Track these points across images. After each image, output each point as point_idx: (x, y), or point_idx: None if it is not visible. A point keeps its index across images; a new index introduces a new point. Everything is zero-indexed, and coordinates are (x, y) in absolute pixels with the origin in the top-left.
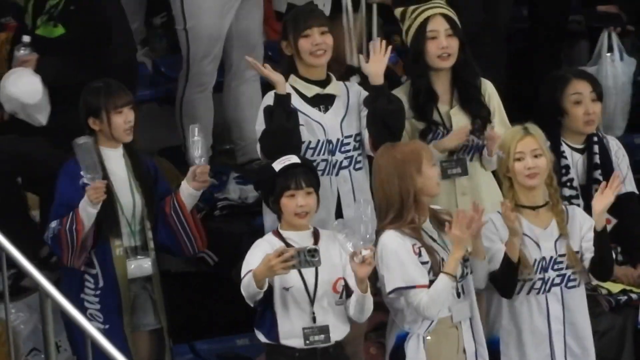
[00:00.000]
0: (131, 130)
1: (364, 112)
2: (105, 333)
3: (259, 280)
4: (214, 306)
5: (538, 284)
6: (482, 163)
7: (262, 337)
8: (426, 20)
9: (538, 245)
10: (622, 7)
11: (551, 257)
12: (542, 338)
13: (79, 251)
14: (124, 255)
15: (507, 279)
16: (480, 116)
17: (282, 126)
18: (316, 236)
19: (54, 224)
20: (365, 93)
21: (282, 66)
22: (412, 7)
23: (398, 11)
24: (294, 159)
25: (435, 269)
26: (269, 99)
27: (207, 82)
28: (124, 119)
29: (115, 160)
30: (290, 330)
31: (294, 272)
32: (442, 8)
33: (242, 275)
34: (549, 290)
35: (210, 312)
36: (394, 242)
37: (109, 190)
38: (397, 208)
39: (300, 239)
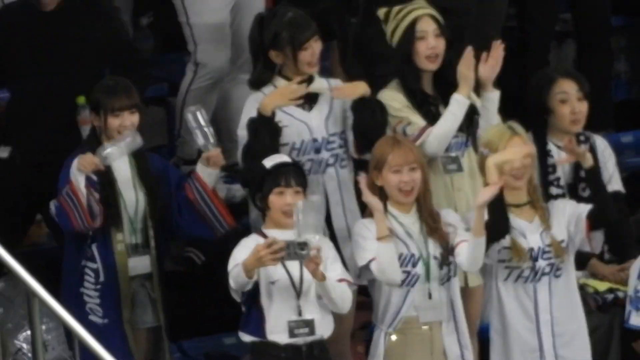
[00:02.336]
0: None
1: (349, 112)
2: (104, 328)
3: (248, 271)
4: (201, 305)
5: (527, 272)
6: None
7: (247, 337)
8: (414, 21)
9: (525, 237)
10: None
11: (539, 247)
12: (530, 327)
13: (87, 211)
14: (125, 251)
15: (498, 217)
16: (467, 115)
17: (266, 147)
18: None
19: (54, 201)
20: None
21: (259, 67)
22: (397, 8)
23: (382, 12)
24: (284, 157)
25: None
26: (252, 104)
27: (216, 77)
28: (119, 122)
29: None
30: (276, 325)
31: (279, 266)
32: (428, 9)
33: (229, 269)
34: (538, 280)
35: (198, 311)
36: (358, 229)
37: (112, 183)
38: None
39: (285, 237)
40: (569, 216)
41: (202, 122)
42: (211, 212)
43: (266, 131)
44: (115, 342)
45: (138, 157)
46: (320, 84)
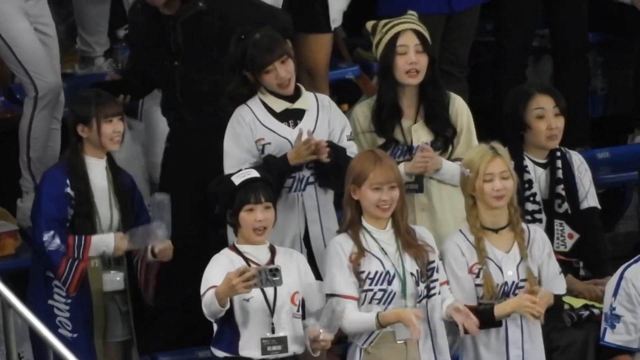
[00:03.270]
0: (119, 140)
1: (332, 131)
2: (74, 342)
3: (221, 299)
4: (175, 318)
5: None
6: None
7: (219, 353)
8: (396, 35)
9: (501, 269)
10: None
11: (513, 282)
12: None
13: (77, 283)
14: (100, 267)
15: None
16: (443, 135)
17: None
18: (273, 251)
19: (56, 241)
20: (335, 108)
21: (235, 84)
22: (383, 21)
23: (369, 24)
24: (253, 173)
25: (372, 279)
26: (236, 118)
27: None
28: (113, 129)
29: (98, 171)
30: (249, 342)
31: None
32: (414, 23)
33: (201, 291)
34: (509, 316)
35: (171, 324)
36: (332, 249)
37: (89, 202)
38: (348, 210)
39: (258, 253)
40: (540, 261)
41: (166, 211)
42: (140, 277)
43: (278, 174)
44: (84, 357)
45: (114, 172)
46: (307, 100)
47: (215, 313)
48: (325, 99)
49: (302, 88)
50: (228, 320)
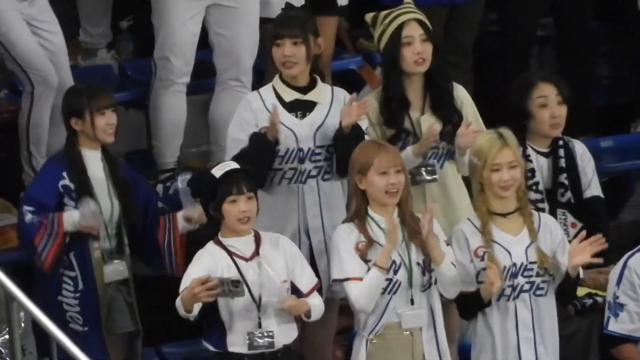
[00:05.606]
0: (113, 132)
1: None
2: (85, 336)
3: (185, 305)
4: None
5: (507, 291)
6: (457, 167)
7: (210, 347)
8: (401, 26)
9: (509, 252)
10: None
11: (521, 264)
12: (512, 345)
13: (53, 256)
14: (101, 259)
15: (472, 309)
16: (451, 122)
17: (259, 163)
18: (257, 240)
19: (28, 215)
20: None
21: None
22: (384, 13)
23: (369, 16)
24: (232, 164)
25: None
26: (245, 104)
27: (173, 80)
28: (106, 121)
29: (94, 163)
30: (237, 337)
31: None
32: (416, 13)
33: (180, 290)
34: (517, 297)
35: (177, 315)
36: (338, 236)
37: (89, 193)
38: (354, 202)
39: (243, 245)
40: (554, 247)
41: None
42: (169, 256)
43: (266, 153)
44: (96, 349)
45: (111, 163)
46: (320, 93)
47: (186, 316)
48: (341, 92)
49: (319, 80)
50: (215, 316)
